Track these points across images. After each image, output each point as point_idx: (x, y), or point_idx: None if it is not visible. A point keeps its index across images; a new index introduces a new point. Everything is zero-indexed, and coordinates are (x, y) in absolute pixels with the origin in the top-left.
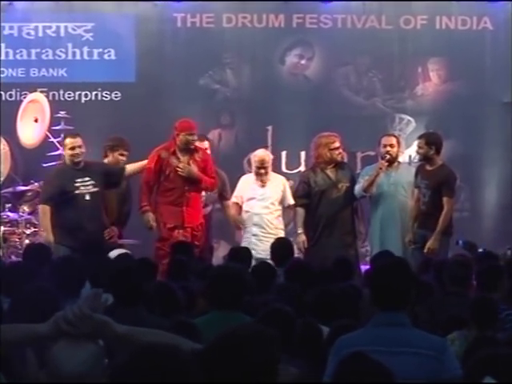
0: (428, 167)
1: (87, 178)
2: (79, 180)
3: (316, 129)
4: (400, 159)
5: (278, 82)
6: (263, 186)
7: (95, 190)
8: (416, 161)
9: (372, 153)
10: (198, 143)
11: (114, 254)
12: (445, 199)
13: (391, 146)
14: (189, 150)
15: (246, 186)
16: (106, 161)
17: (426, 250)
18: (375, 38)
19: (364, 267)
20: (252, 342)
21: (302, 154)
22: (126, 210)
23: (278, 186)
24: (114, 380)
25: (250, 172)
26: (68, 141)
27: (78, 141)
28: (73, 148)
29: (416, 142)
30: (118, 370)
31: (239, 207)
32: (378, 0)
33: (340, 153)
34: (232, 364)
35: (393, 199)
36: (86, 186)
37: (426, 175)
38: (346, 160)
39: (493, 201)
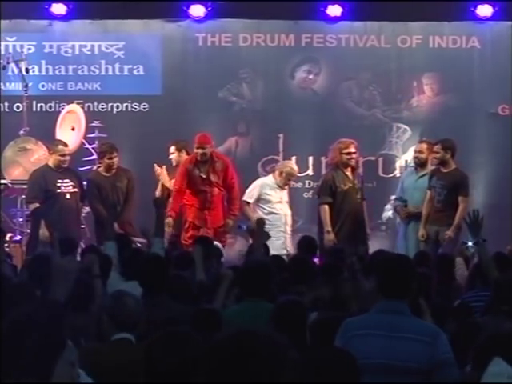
0: (443, 169)
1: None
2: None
3: (322, 136)
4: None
5: (288, 95)
6: (283, 190)
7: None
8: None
9: (372, 158)
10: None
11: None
12: (461, 198)
13: (420, 152)
14: (206, 161)
15: (267, 188)
16: (101, 167)
17: (446, 237)
18: (375, 56)
19: None
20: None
21: (310, 158)
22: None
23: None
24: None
25: (265, 175)
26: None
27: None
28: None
29: (415, 148)
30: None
31: (250, 207)
32: (377, 21)
33: (352, 158)
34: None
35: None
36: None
37: (442, 176)
38: (360, 165)
39: (480, 200)
